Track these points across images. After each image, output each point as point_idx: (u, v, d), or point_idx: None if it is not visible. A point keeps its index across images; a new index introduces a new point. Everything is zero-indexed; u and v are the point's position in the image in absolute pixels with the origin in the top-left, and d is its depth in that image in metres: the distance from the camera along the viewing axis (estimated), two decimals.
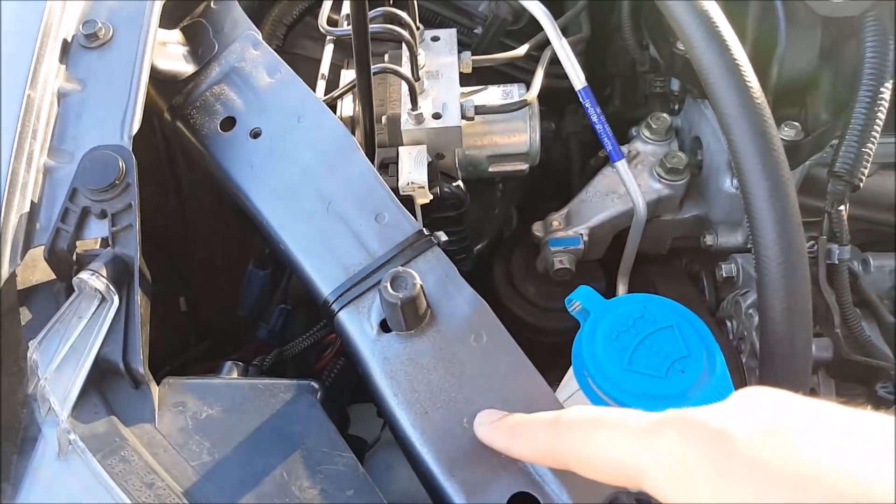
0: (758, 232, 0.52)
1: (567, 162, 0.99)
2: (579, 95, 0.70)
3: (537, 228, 0.85)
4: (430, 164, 0.68)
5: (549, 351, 0.69)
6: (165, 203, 0.77)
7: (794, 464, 0.29)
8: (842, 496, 0.28)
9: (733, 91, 0.51)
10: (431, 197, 0.67)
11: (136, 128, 0.55)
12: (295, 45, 0.87)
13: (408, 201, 0.66)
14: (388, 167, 0.68)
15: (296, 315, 0.80)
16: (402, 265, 0.53)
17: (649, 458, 0.33)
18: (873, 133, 0.61)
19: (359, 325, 0.52)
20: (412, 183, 0.66)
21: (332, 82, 0.74)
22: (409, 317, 0.50)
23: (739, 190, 0.53)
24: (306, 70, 0.72)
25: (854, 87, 0.63)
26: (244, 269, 0.79)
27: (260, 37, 0.64)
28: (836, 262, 0.66)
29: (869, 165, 0.63)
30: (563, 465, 0.38)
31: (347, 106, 0.73)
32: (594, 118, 0.70)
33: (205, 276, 0.82)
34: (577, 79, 0.70)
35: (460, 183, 0.72)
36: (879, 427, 0.30)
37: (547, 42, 0.77)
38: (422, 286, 0.50)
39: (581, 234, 0.81)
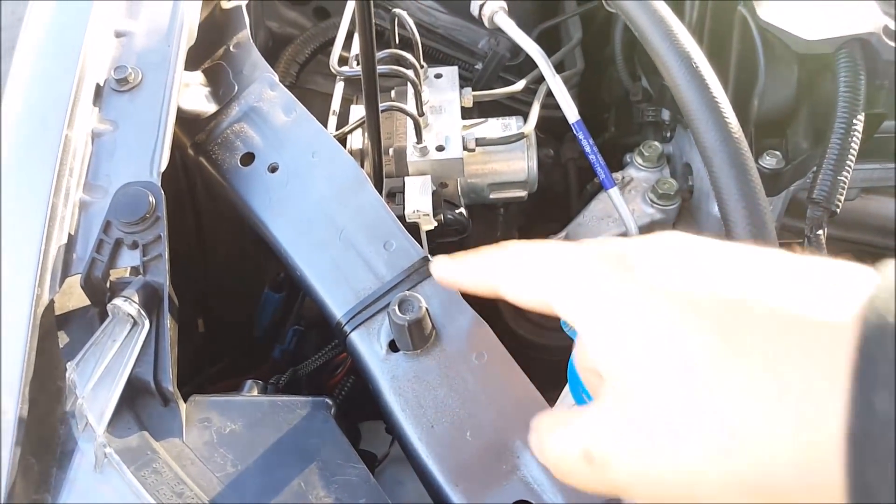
0: None
1: (566, 186, 1.04)
2: (573, 128, 0.75)
3: None
4: (434, 193, 0.73)
5: (551, 368, 0.73)
6: (185, 231, 0.82)
7: (692, 283, 0.30)
8: (730, 310, 0.28)
9: (712, 127, 0.56)
10: (436, 223, 0.72)
11: (164, 165, 0.60)
12: (307, 81, 0.92)
13: (414, 228, 0.71)
14: (395, 196, 0.73)
15: (308, 336, 0.84)
16: (408, 289, 0.57)
17: (560, 283, 0.35)
18: (848, 161, 0.65)
19: (369, 345, 0.57)
20: (418, 211, 0.71)
21: (342, 115, 0.79)
22: (415, 337, 0.54)
23: (721, 216, 0.57)
24: (318, 104, 0.77)
25: (830, 118, 0.68)
26: (259, 293, 0.83)
27: (277, 79, 0.69)
28: None
29: (846, 191, 0.67)
30: (496, 293, 0.40)
31: (356, 139, 0.78)
32: (587, 149, 0.75)
33: (221, 300, 0.86)
34: (571, 113, 0.75)
35: (463, 210, 0.76)
36: (780, 256, 0.31)
37: (543, 77, 0.82)
38: (427, 309, 0.54)
39: None
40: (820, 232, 0.67)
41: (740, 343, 0.27)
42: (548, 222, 1.01)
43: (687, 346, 0.29)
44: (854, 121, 0.65)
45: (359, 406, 0.76)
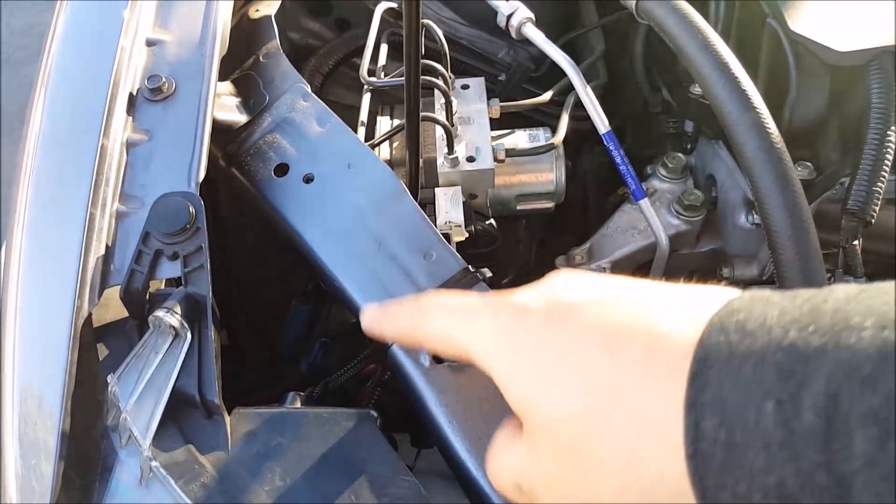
0: (782, 267, 0.56)
1: (581, 198, 1.04)
2: (604, 139, 0.75)
3: (560, 262, 0.89)
4: (464, 204, 0.73)
5: None
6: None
7: (579, 323, 0.34)
8: (617, 339, 0.33)
9: (755, 137, 0.56)
10: (467, 235, 0.72)
11: (202, 175, 0.59)
12: (328, 93, 0.92)
13: (445, 240, 0.70)
14: (426, 207, 0.73)
15: (332, 348, 0.83)
16: None
17: (471, 338, 0.40)
18: (882, 172, 0.66)
19: (412, 357, 0.56)
20: (450, 222, 0.70)
21: (368, 127, 0.79)
22: None
23: (763, 227, 0.57)
24: (340, 115, 0.76)
25: (861, 129, 0.68)
26: (283, 306, 0.83)
27: (309, 89, 0.69)
28: None
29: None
30: (419, 344, 0.45)
31: (384, 151, 0.78)
32: (618, 160, 0.75)
33: (245, 312, 0.85)
34: (602, 123, 0.75)
35: (493, 221, 0.76)
36: (648, 288, 0.35)
37: (569, 88, 0.82)
38: None
39: (605, 268, 0.85)
40: (856, 242, 0.67)
41: (607, 391, 0.32)
42: (562, 234, 1.01)
43: (566, 394, 0.34)
44: (888, 132, 0.66)
45: (386, 418, 0.75)
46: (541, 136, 0.80)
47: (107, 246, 0.57)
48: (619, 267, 0.87)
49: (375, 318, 0.49)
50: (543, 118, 0.93)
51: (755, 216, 0.83)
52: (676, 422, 0.29)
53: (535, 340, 0.36)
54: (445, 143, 0.74)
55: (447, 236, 0.71)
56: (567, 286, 0.37)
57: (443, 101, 0.76)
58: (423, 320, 0.44)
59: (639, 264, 0.88)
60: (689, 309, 0.32)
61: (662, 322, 0.32)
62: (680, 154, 0.88)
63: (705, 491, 0.29)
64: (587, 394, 0.33)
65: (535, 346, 0.36)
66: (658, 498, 0.31)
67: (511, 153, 0.77)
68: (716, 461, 0.28)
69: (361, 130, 0.76)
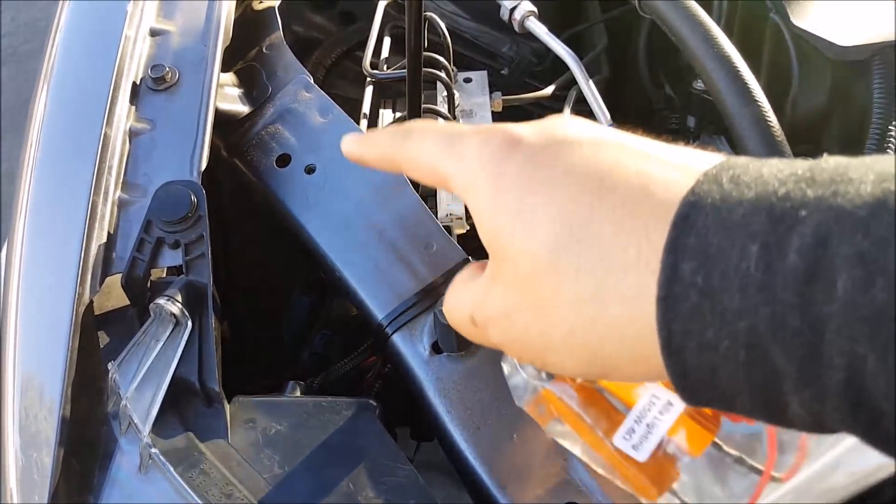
0: None
1: None
2: None
3: None
4: None
5: None
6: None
7: (571, 160, 0.32)
8: (582, 195, 0.31)
9: (757, 131, 0.56)
10: (468, 227, 0.72)
11: (204, 164, 0.60)
12: (331, 86, 0.92)
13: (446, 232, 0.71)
14: (427, 200, 0.73)
15: (334, 340, 0.83)
16: None
17: (453, 163, 0.36)
18: None
19: (412, 346, 0.56)
20: (451, 214, 0.70)
21: (371, 120, 0.79)
22: (460, 339, 0.54)
23: None
24: (343, 108, 0.77)
25: (863, 125, 0.68)
26: (285, 298, 0.83)
27: (311, 80, 0.69)
28: None
29: None
30: (399, 168, 0.41)
31: None
32: None
33: (246, 304, 0.85)
34: (604, 117, 0.75)
35: None
36: (649, 143, 0.32)
37: (572, 82, 0.82)
38: None
39: None
40: None
41: (583, 227, 0.30)
42: None
43: (540, 227, 0.32)
44: (889, 127, 0.65)
45: (386, 410, 0.75)
46: None
47: (109, 234, 0.58)
48: None
49: (356, 142, 0.45)
50: (546, 112, 0.93)
51: None
52: (652, 264, 0.28)
53: (521, 173, 0.33)
54: None
55: (448, 229, 0.71)
56: (568, 126, 0.34)
57: (445, 93, 0.76)
58: (405, 142, 0.40)
59: None
60: (687, 162, 0.30)
61: (655, 169, 0.30)
62: None
63: (671, 336, 0.27)
64: (562, 228, 0.31)
65: (519, 178, 0.33)
66: (606, 339, 0.30)
67: None
68: (687, 305, 0.26)
69: (363, 123, 0.77)
